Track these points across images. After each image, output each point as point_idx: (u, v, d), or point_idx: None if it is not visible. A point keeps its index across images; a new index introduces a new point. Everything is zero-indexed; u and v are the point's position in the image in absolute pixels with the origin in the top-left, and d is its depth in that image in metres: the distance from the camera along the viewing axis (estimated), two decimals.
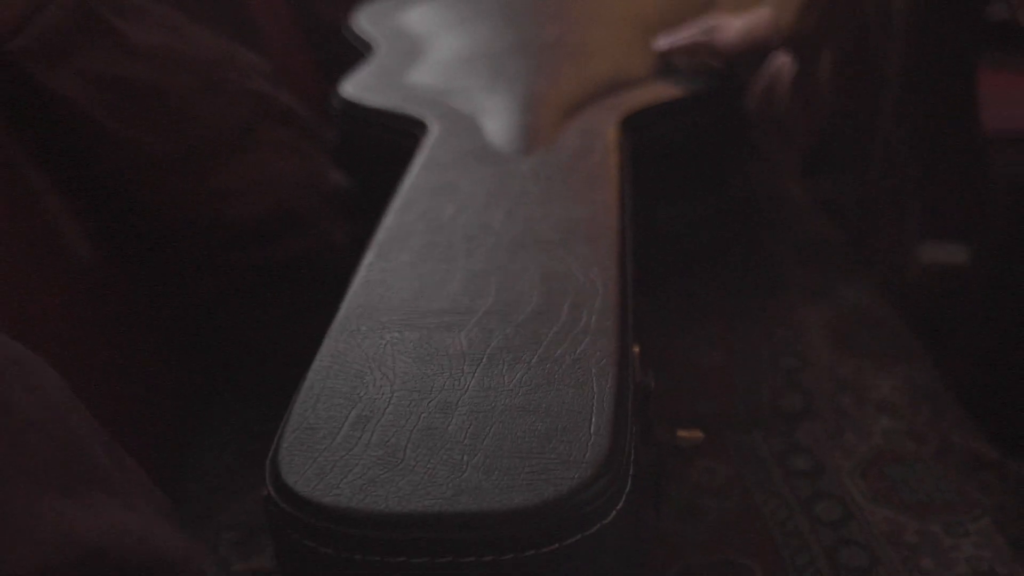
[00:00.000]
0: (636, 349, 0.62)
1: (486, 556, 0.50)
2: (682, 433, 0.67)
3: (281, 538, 0.53)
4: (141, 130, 0.75)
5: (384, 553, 0.50)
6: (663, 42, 1.07)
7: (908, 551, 0.70)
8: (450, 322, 0.63)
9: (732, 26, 1.03)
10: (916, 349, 0.96)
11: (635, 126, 0.94)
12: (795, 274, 1.04)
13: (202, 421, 0.92)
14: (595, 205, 0.78)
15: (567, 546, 0.51)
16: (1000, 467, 0.82)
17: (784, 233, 1.11)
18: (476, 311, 0.64)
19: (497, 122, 0.93)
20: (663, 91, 1.02)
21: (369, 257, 0.72)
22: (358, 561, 0.51)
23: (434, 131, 0.92)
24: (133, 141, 0.75)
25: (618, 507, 0.52)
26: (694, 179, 1.02)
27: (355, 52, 1.26)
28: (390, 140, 1.00)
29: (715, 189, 1.04)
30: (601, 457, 0.52)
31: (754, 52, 1.01)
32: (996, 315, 1.03)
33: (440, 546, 0.50)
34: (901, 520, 0.73)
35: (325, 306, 0.67)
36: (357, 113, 1.03)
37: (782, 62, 1.04)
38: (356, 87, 1.06)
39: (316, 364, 0.60)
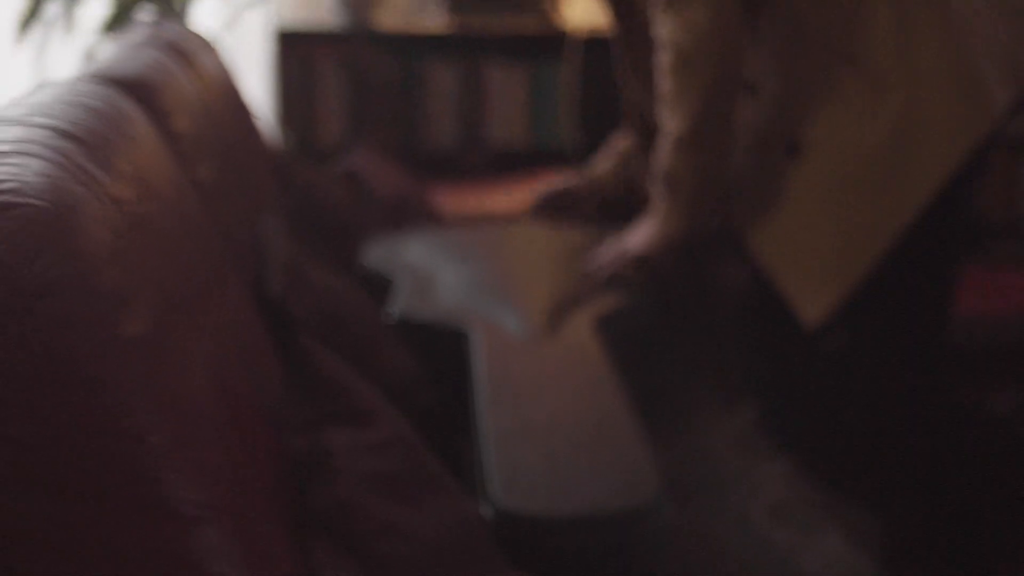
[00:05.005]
0: None
1: (612, 536, 1.02)
2: None
3: (505, 537, 1.02)
4: (330, 334, 1.25)
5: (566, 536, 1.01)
6: (590, 266, 1.64)
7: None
8: (553, 425, 1.16)
9: (636, 238, 1.57)
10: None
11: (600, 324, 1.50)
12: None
13: None
14: (596, 364, 1.33)
15: (652, 529, 1.03)
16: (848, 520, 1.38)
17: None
18: (561, 423, 1.17)
19: (515, 326, 1.47)
20: (607, 301, 1.58)
21: (484, 400, 1.22)
22: (551, 544, 1.01)
23: (477, 335, 1.44)
24: (330, 345, 1.24)
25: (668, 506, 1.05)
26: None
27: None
28: (434, 343, 1.52)
29: None
30: (656, 481, 1.05)
31: (664, 253, 1.55)
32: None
33: (594, 531, 1.01)
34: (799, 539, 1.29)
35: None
36: (409, 327, 1.54)
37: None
38: (403, 307, 1.57)
39: (492, 464, 1.10)
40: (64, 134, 0.82)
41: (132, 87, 1.18)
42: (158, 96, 1.22)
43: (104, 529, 0.59)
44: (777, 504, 1.36)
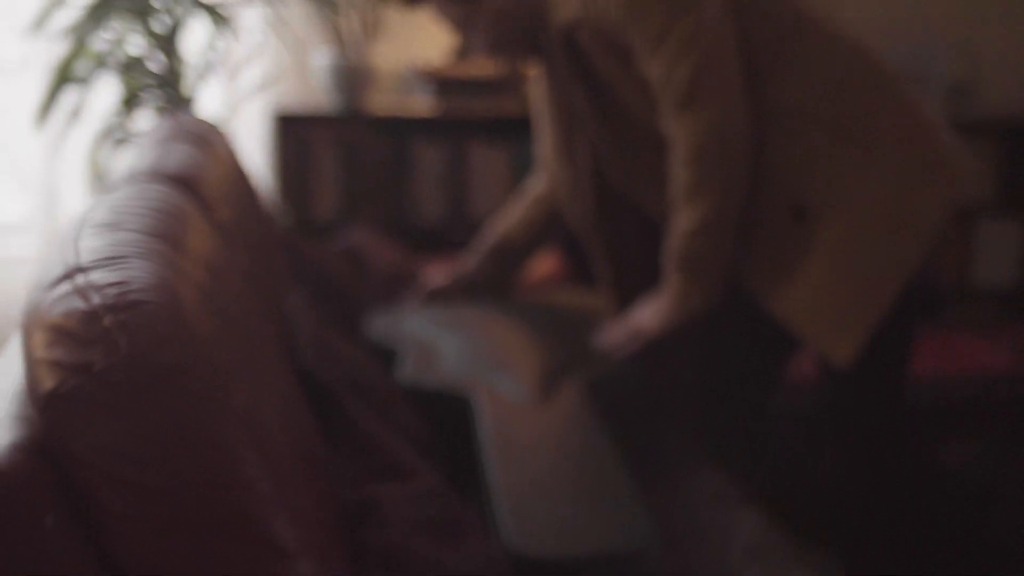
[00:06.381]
0: None
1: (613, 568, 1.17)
2: None
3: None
4: (357, 399, 1.40)
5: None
6: (602, 342, 1.79)
7: None
8: (554, 480, 1.31)
9: (649, 317, 1.71)
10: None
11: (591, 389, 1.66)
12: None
13: None
14: (589, 425, 1.48)
15: (642, 569, 1.18)
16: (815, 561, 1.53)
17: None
18: (561, 478, 1.32)
19: (513, 390, 1.62)
20: (594, 369, 1.74)
21: (491, 458, 1.38)
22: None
23: (480, 401, 1.59)
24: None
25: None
26: None
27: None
28: (440, 407, 1.67)
29: None
30: (645, 527, 1.20)
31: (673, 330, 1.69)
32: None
33: (592, 571, 1.16)
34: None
35: None
36: (416, 392, 1.69)
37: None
38: (411, 375, 1.72)
39: (503, 513, 1.25)
40: (154, 235, 0.98)
41: (181, 182, 1.35)
42: (202, 188, 1.38)
43: (226, 563, 0.74)
44: (750, 547, 1.52)
